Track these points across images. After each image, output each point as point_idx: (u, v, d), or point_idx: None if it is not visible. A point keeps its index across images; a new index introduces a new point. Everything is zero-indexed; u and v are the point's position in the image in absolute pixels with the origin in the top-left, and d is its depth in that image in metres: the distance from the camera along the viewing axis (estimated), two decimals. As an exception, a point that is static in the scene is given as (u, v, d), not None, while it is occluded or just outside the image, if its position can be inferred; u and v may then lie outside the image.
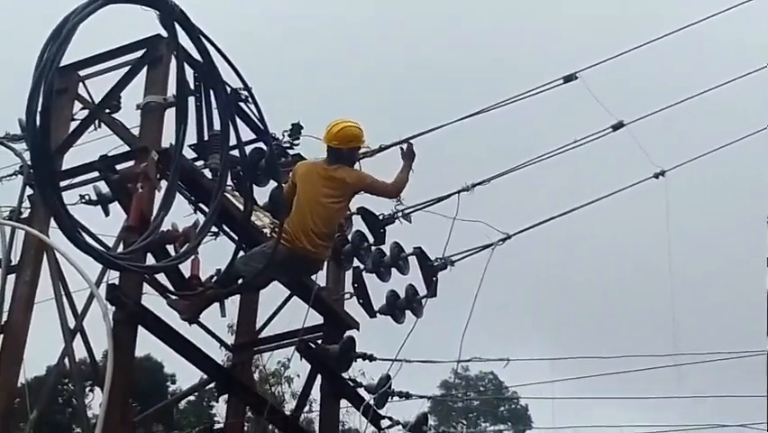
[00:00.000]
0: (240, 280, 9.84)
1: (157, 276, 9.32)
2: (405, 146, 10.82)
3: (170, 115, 9.55)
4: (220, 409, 27.03)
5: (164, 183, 9.06)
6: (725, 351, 12.97)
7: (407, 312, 11.76)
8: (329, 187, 10.10)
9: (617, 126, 12.31)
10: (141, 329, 9.10)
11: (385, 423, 11.78)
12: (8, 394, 9.29)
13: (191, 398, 28.90)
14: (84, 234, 7.56)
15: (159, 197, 8.97)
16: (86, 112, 10.55)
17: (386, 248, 11.78)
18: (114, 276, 9.25)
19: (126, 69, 10.32)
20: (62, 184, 9.02)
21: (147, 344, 9.31)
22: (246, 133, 9.99)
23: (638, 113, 12.57)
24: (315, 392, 11.79)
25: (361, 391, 11.60)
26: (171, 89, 9.83)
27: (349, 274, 11.80)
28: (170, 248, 9.18)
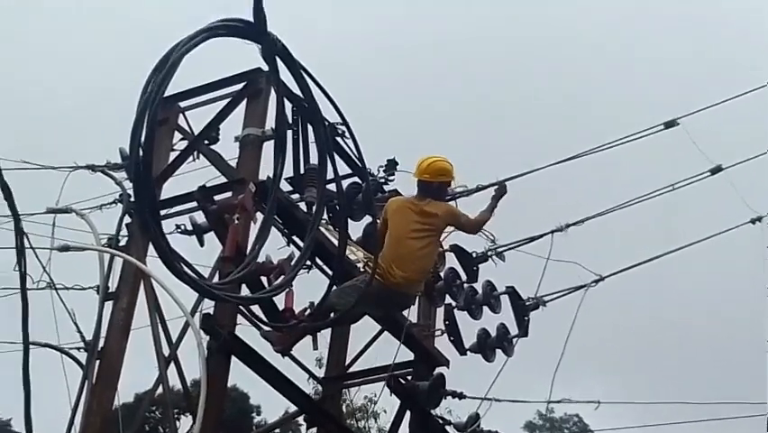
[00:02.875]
0: (333, 313, 9.87)
1: (251, 307, 9.38)
2: (499, 186, 10.90)
3: (268, 148, 9.66)
4: (305, 441, 27.09)
5: (260, 215, 9.14)
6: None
7: (498, 351, 11.68)
8: (421, 221, 10.14)
9: (716, 170, 12.17)
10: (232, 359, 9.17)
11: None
12: (102, 419, 9.40)
13: (277, 430, 29.01)
14: (181, 263, 7.63)
15: (254, 228, 9.05)
16: (185, 143, 10.73)
17: (478, 286, 11.74)
18: (208, 306, 9.34)
19: (226, 101, 10.48)
20: (161, 213, 9.15)
21: (234, 374, 9.35)
22: (342, 168, 10.08)
23: (737, 157, 12.42)
24: (404, 429, 11.74)
25: (450, 429, 11.53)
26: (270, 122, 9.97)
27: (440, 311, 11.76)
28: (264, 280, 9.26)
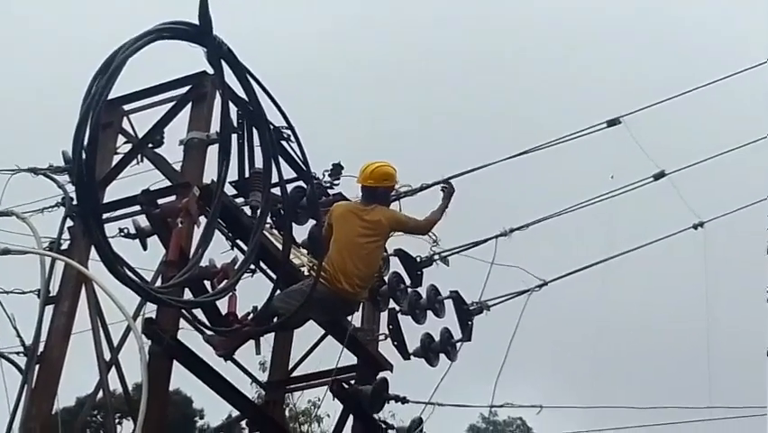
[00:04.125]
0: (276, 318, 9.85)
1: (194, 311, 9.33)
2: (445, 185, 10.96)
3: (213, 151, 9.61)
4: (248, 445, 26.98)
5: (204, 219, 9.10)
6: (758, 405, 12.83)
7: (442, 355, 11.71)
8: (365, 227, 10.16)
9: (659, 176, 12.27)
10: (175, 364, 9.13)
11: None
12: (42, 425, 9.30)
13: (220, 433, 28.86)
14: (124, 267, 7.58)
15: (198, 232, 9.01)
16: (129, 146, 10.66)
17: (422, 291, 11.77)
18: (151, 310, 9.28)
19: (171, 104, 10.43)
20: (103, 216, 9.07)
21: (177, 378, 9.30)
22: (287, 172, 10.07)
23: (679, 160, 12.53)
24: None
25: (393, 433, 11.56)
26: (215, 126, 9.93)
27: (384, 315, 11.77)
28: (208, 284, 9.21)
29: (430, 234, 11.31)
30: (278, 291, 9.50)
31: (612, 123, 12.29)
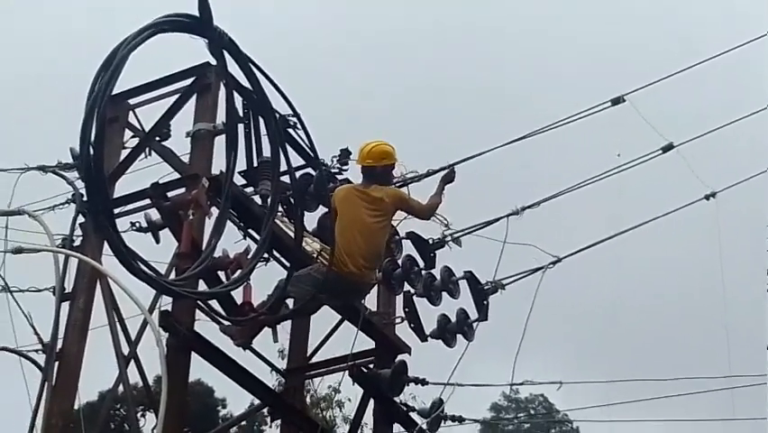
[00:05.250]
0: (289, 301, 9.87)
1: (209, 302, 9.36)
2: (446, 170, 10.99)
3: (220, 142, 9.63)
4: (270, 433, 27.10)
5: (215, 210, 9.11)
6: (776, 373, 12.80)
7: (459, 336, 11.72)
8: (368, 207, 10.17)
9: (667, 148, 12.20)
10: (193, 355, 9.16)
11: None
12: (64, 420, 9.37)
13: (242, 422, 28.94)
14: (137, 261, 7.60)
15: (210, 223, 9.04)
16: (136, 140, 10.69)
17: (436, 272, 11.77)
18: (166, 303, 9.32)
19: (176, 96, 10.44)
20: (114, 212, 9.09)
21: (198, 368, 9.34)
22: (295, 159, 10.09)
23: (687, 134, 12.48)
24: (368, 417, 11.77)
25: (414, 416, 11.57)
26: (221, 116, 9.93)
27: (400, 299, 11.77)
28: (222, 275, 9.25)
29: (438, 217, 11.33)
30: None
31: (616, 101, 12.24)
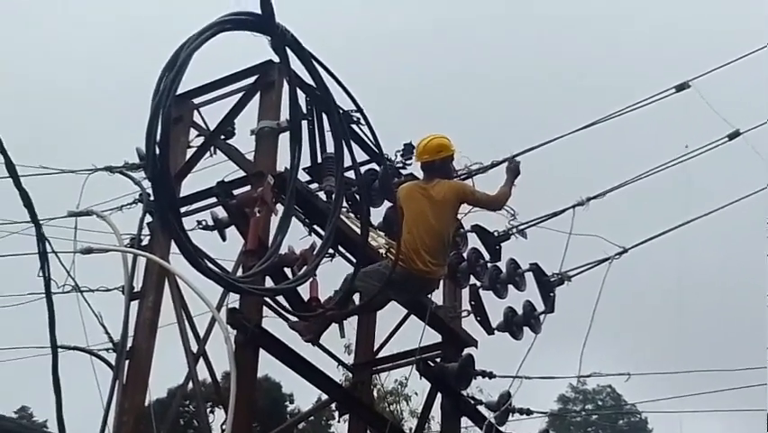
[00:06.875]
0: (356, 295, 9.88)
1: (276, 299, 9.41)
2: (510, 161, 10.91)
3: (284, 139, 9.66)
4: (338, 428, 27.24)
5: (280, 207, 9.16)
6: None
7: (525, 329, 11.67)
8: (431, 203, 10.13)
9: (734, 135, 12.02)
10: (261, 351, 9.22)
11: (506, 440, 11.70)
12: (135, 417, 9.50)
13: (311, 418, 29.09)
14: (205, 259, 7.65)
15: (275, 220, 9.07)
16: (201, 139, 10.77)
17: (502, 265, 11.72)
18: (233, 300, 9.38)
19: (239, 95, 10.49)
20: (181, 210, 9.16)
21: (265, 364, 9.39)
22: (359, 155, 10.08)
23: (755, 121, 12.30)
24: (435, 411, 11.77)
25: (482, 409, 11.55)
26: (284, 114, 9.97)
27: (466, 292, 11.74)
28: (288, 271, 9.28)
29: (506, 207, 11.24)
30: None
31: (681, 87, 12.10)
